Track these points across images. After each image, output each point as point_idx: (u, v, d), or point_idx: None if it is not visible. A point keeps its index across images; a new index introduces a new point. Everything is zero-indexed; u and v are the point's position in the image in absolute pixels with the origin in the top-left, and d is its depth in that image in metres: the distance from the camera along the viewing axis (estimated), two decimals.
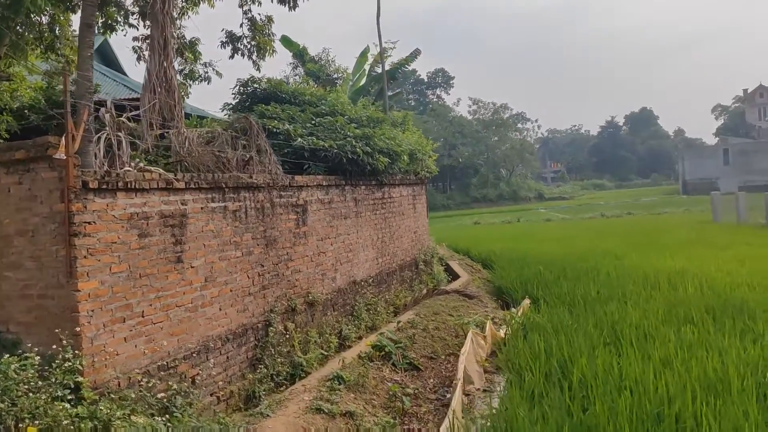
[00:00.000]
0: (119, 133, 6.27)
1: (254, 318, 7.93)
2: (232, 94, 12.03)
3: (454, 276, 15.94)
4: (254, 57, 9.71)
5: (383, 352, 8.77)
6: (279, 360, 7.98)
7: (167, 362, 6.29)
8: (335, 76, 18.17)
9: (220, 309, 7.27)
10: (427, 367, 8.99)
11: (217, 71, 9.28)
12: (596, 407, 5.10)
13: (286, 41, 18.20)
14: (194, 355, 6.69)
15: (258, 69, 9.91)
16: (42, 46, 8.79)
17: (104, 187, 5.68)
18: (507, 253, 19.55)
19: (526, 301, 11.97)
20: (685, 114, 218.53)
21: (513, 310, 11.98)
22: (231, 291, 7.49)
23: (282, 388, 7.67)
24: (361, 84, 19.81)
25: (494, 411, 6.27)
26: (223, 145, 7.63)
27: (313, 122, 10.89)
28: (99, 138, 6.07)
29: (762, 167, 69.10)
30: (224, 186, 7.41)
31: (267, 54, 9.71)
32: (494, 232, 33.07)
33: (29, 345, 5.33)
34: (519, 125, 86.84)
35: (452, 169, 74.89)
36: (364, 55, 19.79)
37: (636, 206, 53.26)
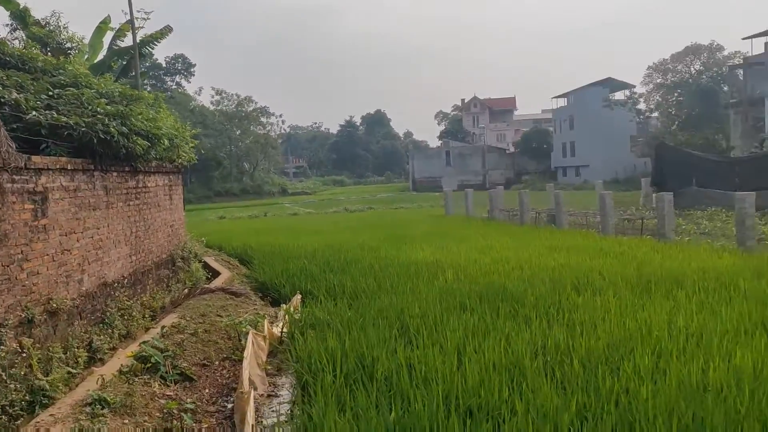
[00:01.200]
0: None
1: None
2: None
3: (214, 273, 14.88)
4: None
5: (149, 364, 7.56)
6: (12, 386, 6.30)
7: None
8: (68, 45, 15.56)
9: None
10: (201, 375, 8.00)
11: None
12: (416, 405, 4.89)
13: None
14: None
15: None
16: None
17: None
18: (264, 247, 19.06)
19: (297, 296, 11.57)
20: (414, 118, 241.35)
21: (283, 305, 11.50)
22: None
23: (19, 422, 6.07)
24: (99, 58, 17.37)
25: (294, 419, 5.71)
26: None
27: (51, 93, 9.01)
28: None
29: (475, 169, 79.51)
30: None
31: None
32: (244, 226, 32.29)
33: None
34: (263, 119, 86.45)
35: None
36: (105, 24, 17.34)
37: (374, 201, 56.93)
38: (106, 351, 8.51)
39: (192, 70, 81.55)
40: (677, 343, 6.44)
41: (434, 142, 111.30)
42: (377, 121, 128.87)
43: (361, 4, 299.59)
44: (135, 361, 7.49)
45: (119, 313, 9.41)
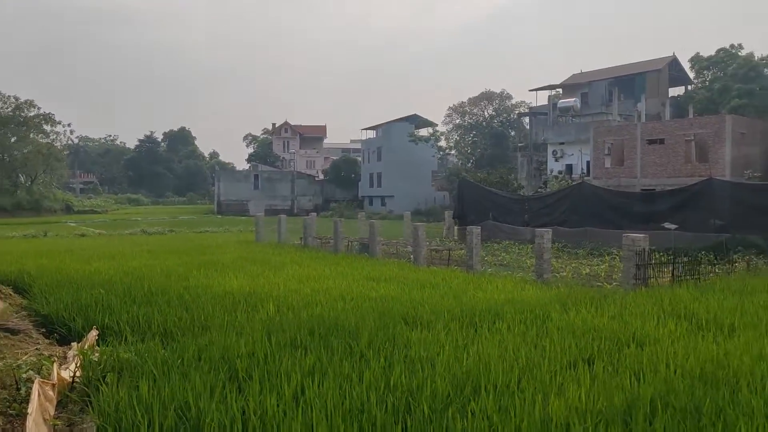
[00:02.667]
0: None
1: None
2: None
3: None
4: None
5: None
6: None
7: None
8: None
9: None
10: None
11: None
12: None
13: None
14: None
15: None
16: None
17: None
18: (48, 273, 16.54)
19: (93, 333, 9.94)
20: (220, 138, 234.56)
21: (74, 344, 9.82)
22: None
23: None
24: None
25: None
26: None
27: None
28: None
29: (284, 194, 79.09)
30: None
31: None
32: (18, 247, 28.16)
33: None
34: (46, 127, 77.20)
35: None
36: None
37: (176, 223, 53.63)
38: None
39: None
40: (513, 378, 6.48)
41: (242, 165, 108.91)
42: (181, 138, 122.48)
43: (161, 17, 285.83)
44: None
45: None
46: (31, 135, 74.37)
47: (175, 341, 8.54)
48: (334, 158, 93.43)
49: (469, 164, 66.39)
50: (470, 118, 69.96)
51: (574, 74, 60.18)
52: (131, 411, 5.62)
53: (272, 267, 17.90)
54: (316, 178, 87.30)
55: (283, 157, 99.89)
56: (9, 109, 71.88)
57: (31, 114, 73.66)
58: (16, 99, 72.39)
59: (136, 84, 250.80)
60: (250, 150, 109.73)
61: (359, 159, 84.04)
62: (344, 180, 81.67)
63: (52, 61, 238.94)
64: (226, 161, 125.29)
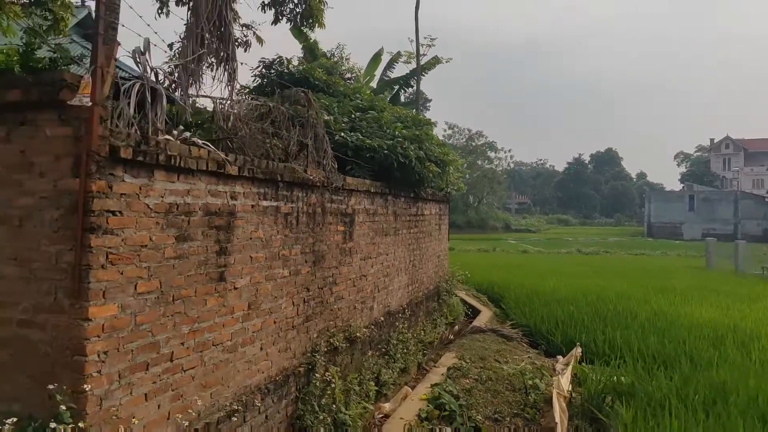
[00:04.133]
0: (158, 85, 4.26)
1: (296, 360, 5.93)
2: (253, 75, 10.14)
3: (472, 310, 14.14)
4: (299, 24, 7.80)
5: (445, 412, 6.86)
6: (322, 418, 5.97)
7: (196, 428, 4.24)
8: (348, 76, 16.29)
9: (261, 348, 5.27)
10: None
11: (258, 36, 7.31)
12: None
13: (297, 32, 16.27)
14: (228, 415, 4.65)
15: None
16: None
17: (140, 159, 3.66)
18: (513, 286, 17.88)
19: (578, 350, 10.21)
20: (647, 158, 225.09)
21: (560, 358, 10.27)
22: (275, 323, 5.49)
23: None
24: (372, 86, 18.02)
25: None
26: (280, 125, 5.68)
27: (353, 116, 9.02)
28: (130, 88, 4.04)
29: (724, 216, 70.33)
30: (279, 180, 5.45)
31: (317, 24, 7.82)
32: (477, 260, 31.52)
33: None
34: (490, 154, 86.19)
35: None
36: (377, 58, 18.02)
37: (607, 245, 52.79)
38: (390, 387, 8.09)
39: (428, 104, 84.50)
40: None
41: (671, 185, 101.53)
42: (607, 160, 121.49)
43: (584, 45, 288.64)
44: (430, 407, 6.87)
45: (399, 346, 8.99)
46: (478, 161, 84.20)
47: (675, 372, 8.01)
48: None
49: None
50: None
51: None
52: None
53: (742, 299, 15.71)
54: (767, 200, 74.94)
55: (723, 176, 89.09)
56: (463, 140, 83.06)
57: (480, 143, 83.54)
58: (469, 131, 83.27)
59: (564, 110, 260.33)
60: (682, 169, 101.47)
61: None
62: None
63: (491, 92, 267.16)
64: (654, 182, 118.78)
